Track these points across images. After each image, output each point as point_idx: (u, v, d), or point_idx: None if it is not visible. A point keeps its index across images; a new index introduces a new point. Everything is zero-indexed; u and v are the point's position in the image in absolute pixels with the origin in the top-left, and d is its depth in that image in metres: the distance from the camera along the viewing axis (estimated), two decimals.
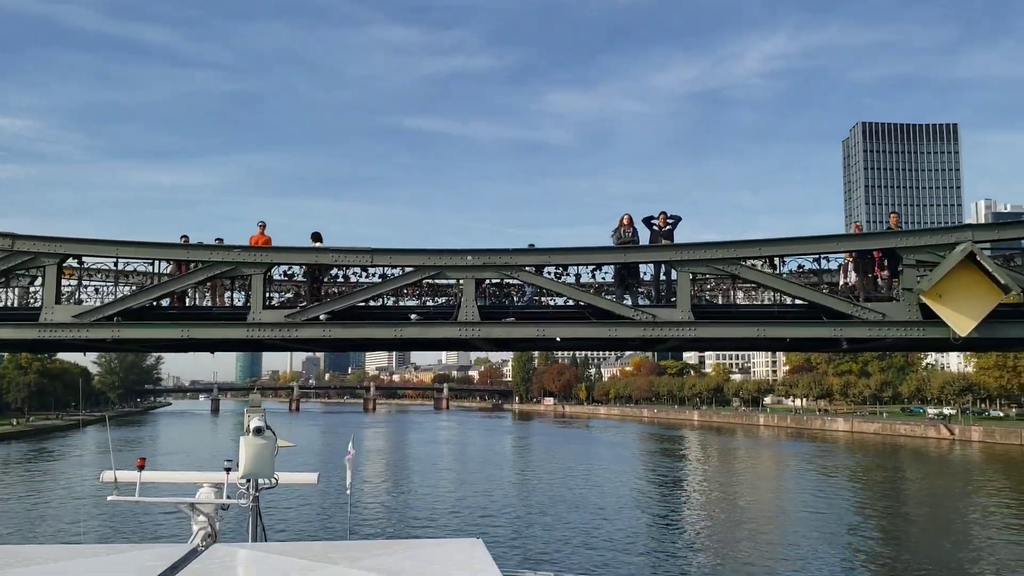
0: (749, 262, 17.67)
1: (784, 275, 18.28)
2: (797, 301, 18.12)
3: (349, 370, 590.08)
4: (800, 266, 19.12)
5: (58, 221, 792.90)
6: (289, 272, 19.79)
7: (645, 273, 19.46)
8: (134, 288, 19.20)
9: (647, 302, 18.88)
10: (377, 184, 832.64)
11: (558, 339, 17.80)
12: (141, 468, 7.69)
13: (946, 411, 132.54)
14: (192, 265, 18.46)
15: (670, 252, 17.85)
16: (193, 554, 4.89)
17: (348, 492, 12.37)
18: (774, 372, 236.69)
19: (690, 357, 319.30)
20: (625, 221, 19.76)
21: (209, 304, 19.82)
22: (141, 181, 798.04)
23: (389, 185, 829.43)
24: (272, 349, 21.88)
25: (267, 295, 18.56)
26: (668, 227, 19.41)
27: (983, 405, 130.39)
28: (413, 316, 18.53)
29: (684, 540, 38.99)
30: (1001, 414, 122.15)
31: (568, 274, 18.96)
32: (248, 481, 7.55)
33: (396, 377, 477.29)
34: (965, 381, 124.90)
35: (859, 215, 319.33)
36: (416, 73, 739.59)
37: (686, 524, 44.15)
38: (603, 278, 19.92)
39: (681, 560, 33.99)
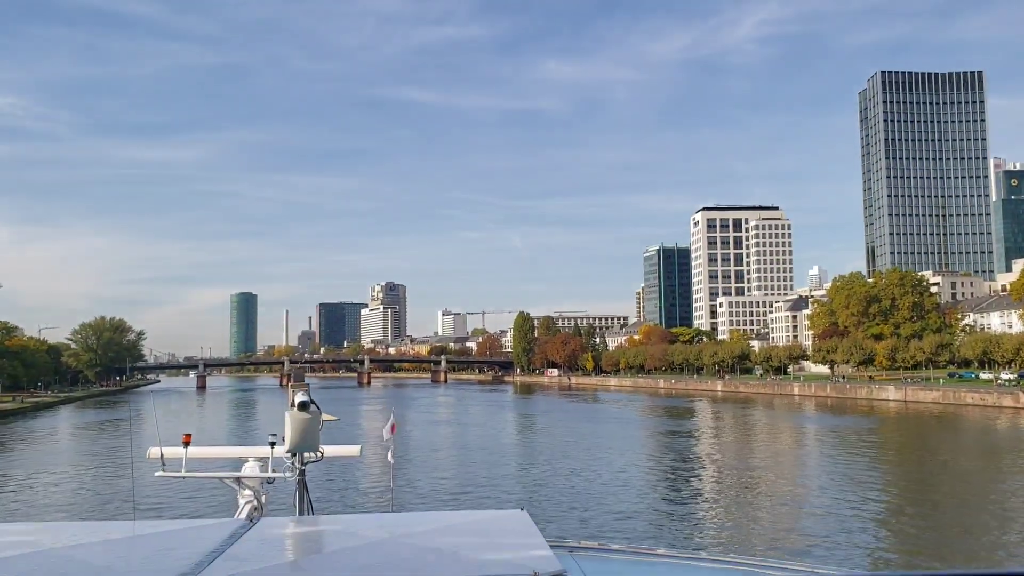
0: None
1: None
2: None
3: (345, 344, 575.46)
4: None
5: (47, 201, 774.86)
6: None
7: None
8: None
9: None
10: (366, 157, 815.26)
11: None
12: (187, 444, 7.59)
13: (1004, 376, 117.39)
14: None
15: None
16: (242, 528, 4.87)
17: (391, 464, 10.42)
18: (795, 337, 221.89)
19: (701, 323, 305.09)
20: None
21: None
22: (127, 158, 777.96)
23: (379, 158, 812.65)
24: None
25: None
26: None
27: None
28: None
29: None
30: None
31: None
32: (294, 455, 7.41)
33: (392, 350, 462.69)
34: None
35: (879, 170, 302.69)
36: (406, 43, 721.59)
37: (735, 523, 36.31)
38: None
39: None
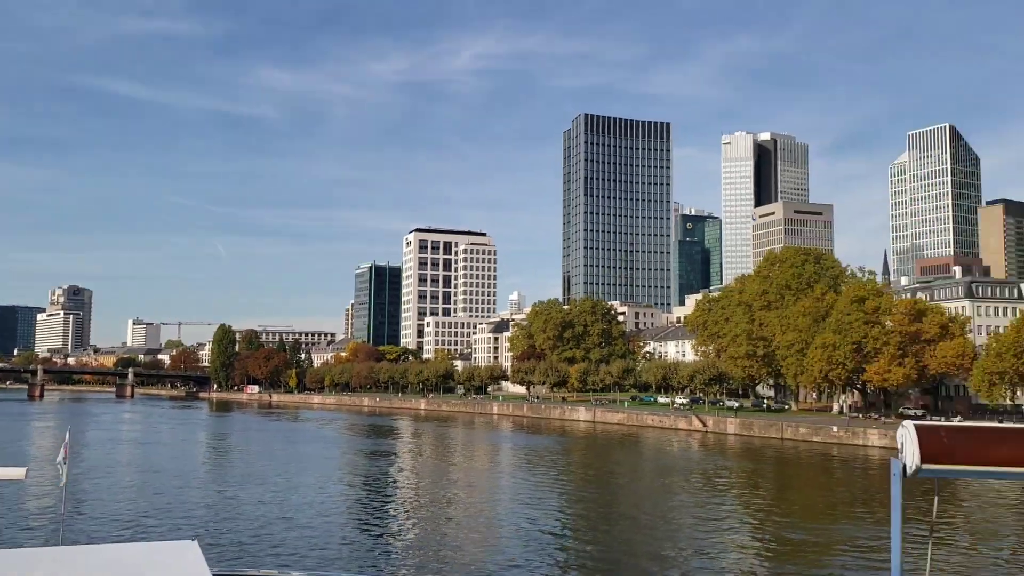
0: None
1: None
2: None
3: (15, 351, 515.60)
4: None
5: None
6: None
7: None
8: None
9: None
10: (56, 147, 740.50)
11: None
12: None
13: (679, 400, 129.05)
14: None
15: None
16: None
17: (63, 490, 10.01)
18: (496, 358, 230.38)
19: (409, 342, 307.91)
20: None
21: None
22: None
23: (71, 150, 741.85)
24: None
25: None
26: None
27: (716, 395, 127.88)
28: None
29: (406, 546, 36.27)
30: (736, 404, 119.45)
31: None
32: None
33: (72, 360, 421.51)
34: (715, 370, 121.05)
35: (578, 206, 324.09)
36: (109, 30, 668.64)
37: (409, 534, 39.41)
38: None
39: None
